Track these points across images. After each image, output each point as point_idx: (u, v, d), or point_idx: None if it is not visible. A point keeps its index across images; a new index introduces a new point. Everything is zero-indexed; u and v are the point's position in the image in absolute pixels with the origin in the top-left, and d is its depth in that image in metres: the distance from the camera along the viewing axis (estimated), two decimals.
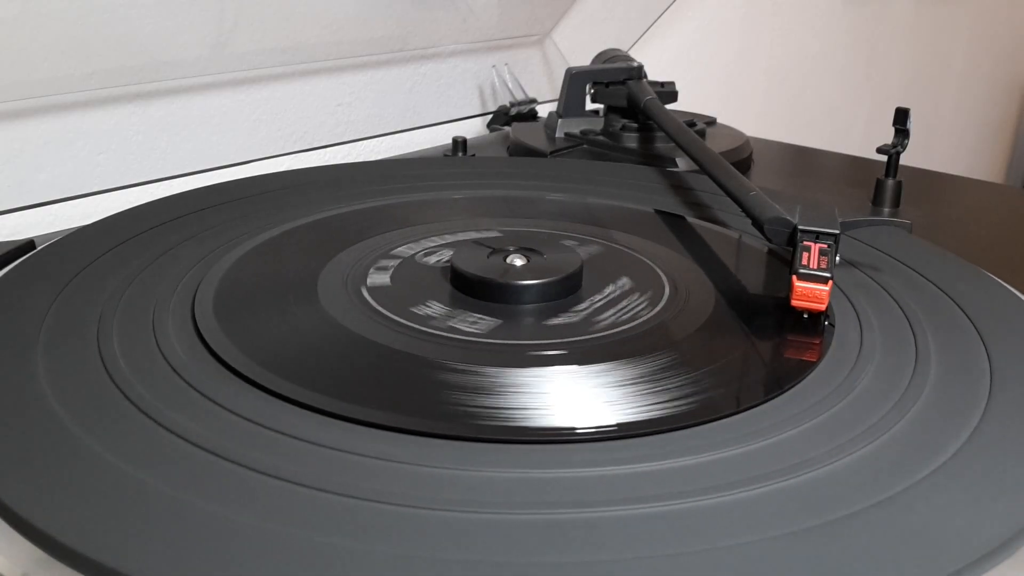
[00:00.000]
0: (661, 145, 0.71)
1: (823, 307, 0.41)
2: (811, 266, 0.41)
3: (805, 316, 0.42)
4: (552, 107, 0.76)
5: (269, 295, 0.43)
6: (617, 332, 0.40)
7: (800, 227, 0.42)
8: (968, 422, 0.34)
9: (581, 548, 0.27)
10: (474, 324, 0.40)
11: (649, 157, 0.70)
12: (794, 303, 0.41)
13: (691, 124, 0.70)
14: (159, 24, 0.60)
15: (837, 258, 0.42)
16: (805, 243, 0.42)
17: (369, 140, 0.79)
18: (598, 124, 0.75)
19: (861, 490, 0.29)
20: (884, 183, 0.64)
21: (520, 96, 0.84)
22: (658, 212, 0.56)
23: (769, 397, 0.35)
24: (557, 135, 0.74)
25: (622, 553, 0.26)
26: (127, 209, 0.53)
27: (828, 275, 0.41)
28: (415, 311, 0.41)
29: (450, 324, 0.40)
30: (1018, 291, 0.45)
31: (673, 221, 0.55)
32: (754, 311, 0.44)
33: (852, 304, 0.43)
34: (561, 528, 0.27)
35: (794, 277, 0.41)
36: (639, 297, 0.43)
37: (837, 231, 0.42)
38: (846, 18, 1.38)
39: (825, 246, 0.42)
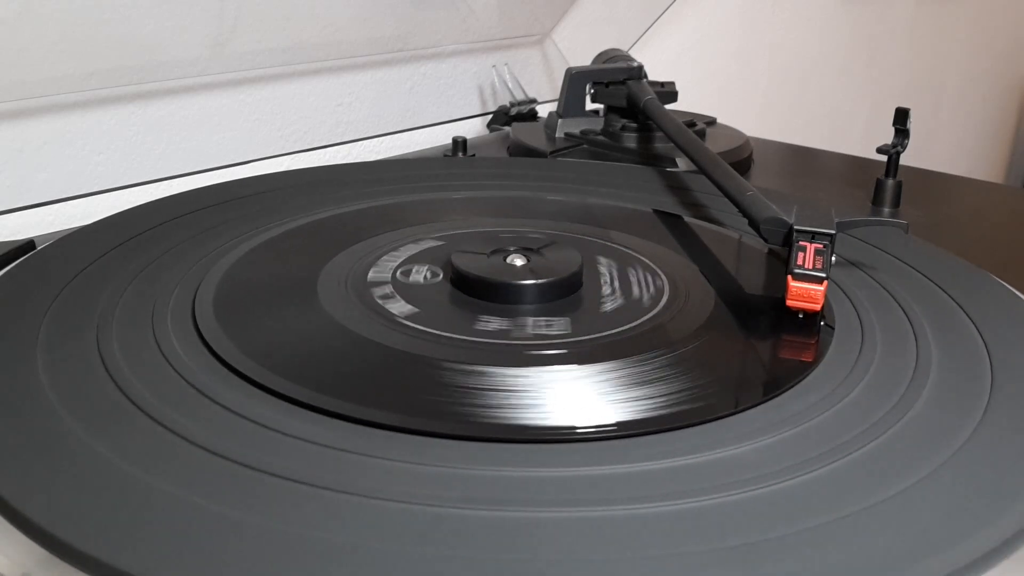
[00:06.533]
0: (661, 145, 0.71)
1: (818, 307, 0.41)
2: (806, 266, 0.41)
3: (800, 316, 0.42)
4: (552, 107, 0.76)
5: (269, 295, 0.43)
6: (617, 332, 0.40)
7: (796, 227, 0.42)
8: (968, 422, 0.34)
9: (581, 548, 0.27)
10: (474, 324, 0.40)
11: (649, 157, 0.70)
12: (789, 303, 0.41)
13: (691, 124, 0.70)
14: (159, 24, 0.60)
15: (833, 258, 0.42)
16: (801, 243, 0.42)
17: (369, 140, 0.79)
18: (598, 124, 0.75)
19: (861, 490, 0.29)
20: (884, 183, 0.64)
21: (520, 96, 0.84)
22: (657, 212, 0.56)
23: (769, 397, 0.35)
24: (557, 135, 0.74)
25: (623, 553, 0.26)
26: (127, 209, 0.53)
27: (823, 275, 0.41)
28: (415, 311, 0.41)
29: (450, 324, 0.40)
30: (1018, 291, 0.45)
31: (672, 221, 0.55)
32: (754, 311, 0.44)
33: (852, 303, 0.43)
34: (561, 528, 0.27)
35: (789, 277, 0.41)
36: (639, 297, 0.43)
37: (833, 231, 0.42)
38: (846, 18, 1.38)
39: (821, 246, 0.42)
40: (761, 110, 1.27)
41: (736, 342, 0.41)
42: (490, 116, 0.84)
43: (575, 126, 0.74)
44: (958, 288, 0.45)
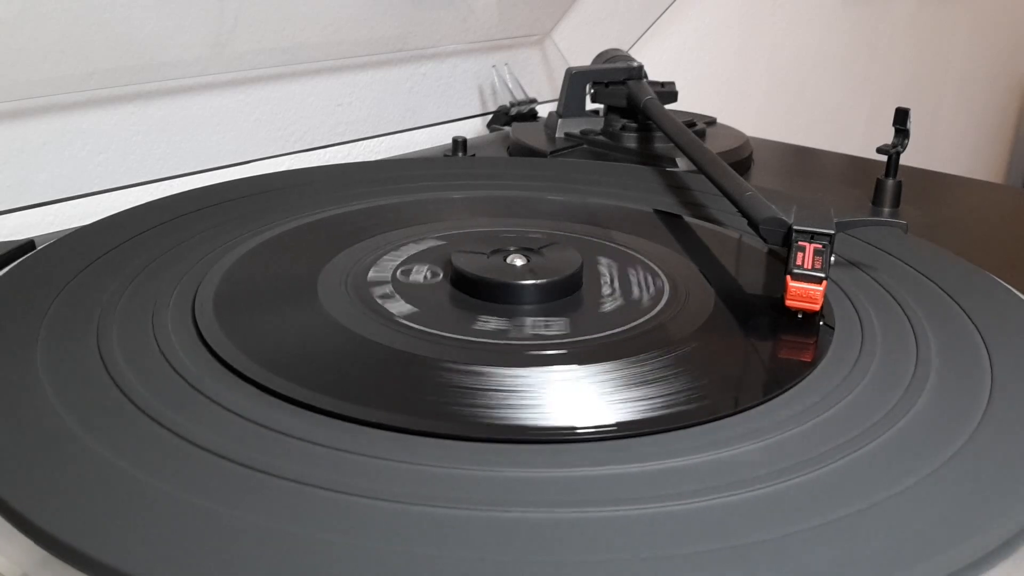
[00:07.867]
0: (660, 145, 0.71)
1: (817, 307, 0.41)
2: (805, 266, 0.41)
3: (799, 316, 0.42)
4: (552, 107, 0.76)
5: (269, 295, 0.43)
6: (617, 332, 0.40)
7: (795, 227, 0.42)
8: (968, 421, 0.34)
9: (581, 548, 0.27)
10: (474, 324, 0.40)
11: (649, 157, 0.70)
12: (788, 303, 0.41)
13: (691, 124, 0.70)
14: (159, 24, 0.60)
15: (832, 258, 0.42)
16: (800, 243, 0.42)
17: (369, 140, 0.79)
18: (598, 124, 0.75)
19: (861, 490, 0.29)
20: (884, 183, 0.64)
21: (520, 96, 0.84)
22: (657, 212, 0.56)
23: (769, 397, 0.35)
24: (557, 135, 0.74)
25: (622, 553, 0.26)
26: (126, 209, 0.53)
27: (822, 275, 0.41)
28: (415, 311, 0.41)
29: (450, 324, 0.40)
30: (1018, 291, 0.45)
31: (672, 221, 0.55)
32: (753, 311, 0.44)
33: (852, 303, 0.43)
34: (561, 528, 0.27)
35: (788, 277, 0.41)
36: (639, 297, 0.43)
37: (832, 231, 0.42)
38: (846, 18, 1.38)
39: (820, 246, 0.42)
40: (761, 110, 1.27)
41: (736, 342, 0.41)
42: (490, 116, 0.84)
43: (575, 126, 0.74)
44: (958, 288, 0.45)
